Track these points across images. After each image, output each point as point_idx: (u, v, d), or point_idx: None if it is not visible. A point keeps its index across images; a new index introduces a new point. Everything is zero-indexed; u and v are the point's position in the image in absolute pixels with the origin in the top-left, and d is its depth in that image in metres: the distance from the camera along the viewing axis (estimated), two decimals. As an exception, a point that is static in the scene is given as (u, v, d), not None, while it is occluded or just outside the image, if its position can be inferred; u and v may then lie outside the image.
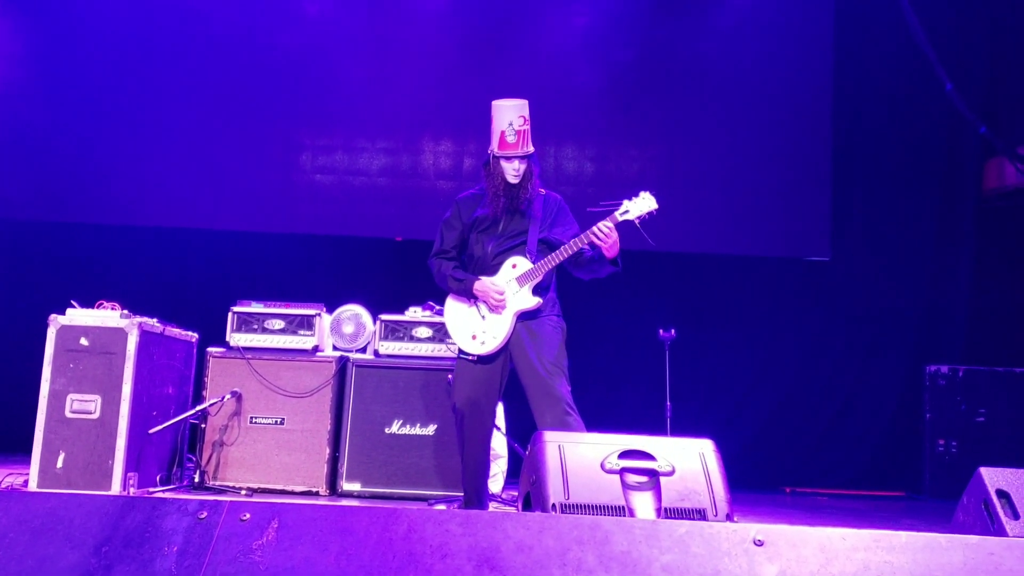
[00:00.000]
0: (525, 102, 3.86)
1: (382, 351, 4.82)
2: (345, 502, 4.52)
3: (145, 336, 4.18)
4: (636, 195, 3.80)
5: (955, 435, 6.22)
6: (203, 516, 1.84)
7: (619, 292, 6.69)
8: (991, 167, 6.80)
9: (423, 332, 4.84)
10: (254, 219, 6.61)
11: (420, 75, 6.68)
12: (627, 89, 6.76)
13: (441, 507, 3.72)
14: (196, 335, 4.79)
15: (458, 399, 3.84)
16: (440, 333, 4.81)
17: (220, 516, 1.85)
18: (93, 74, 6.62)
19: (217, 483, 4.58)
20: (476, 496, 3.94)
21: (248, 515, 1.85)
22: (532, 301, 3.78)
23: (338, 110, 6.69)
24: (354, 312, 5.02)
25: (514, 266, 3.81)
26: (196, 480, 4.60)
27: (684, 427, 4.65)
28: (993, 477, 2.82)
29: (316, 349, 4.80)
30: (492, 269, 3.84)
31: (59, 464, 3.99)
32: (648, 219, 3.77)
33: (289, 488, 4.61)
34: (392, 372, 4.76)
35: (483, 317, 3.82)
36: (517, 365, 3.79)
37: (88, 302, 4.23)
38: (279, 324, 4.82)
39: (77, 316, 4.14)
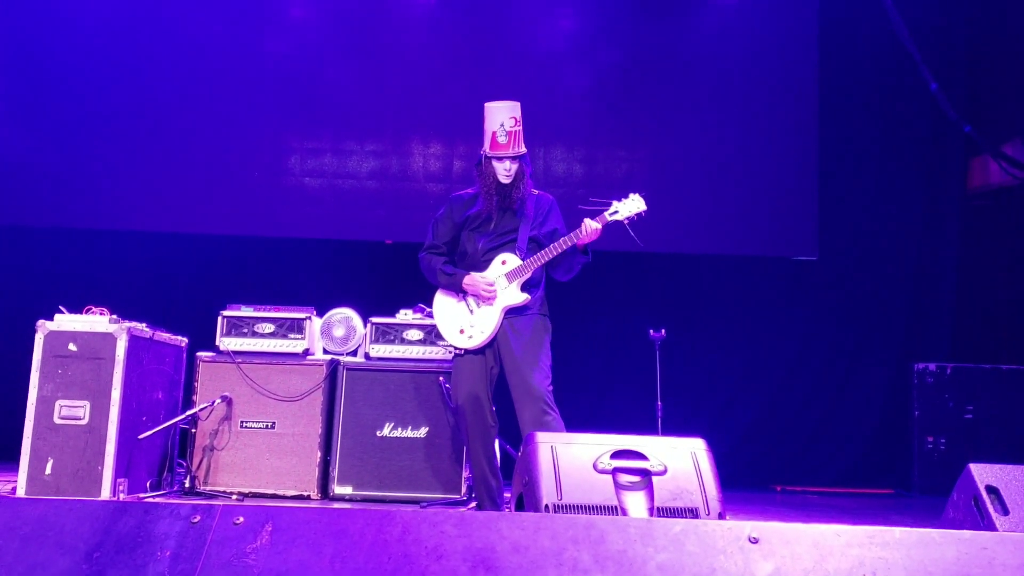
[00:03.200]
0: (517, 104, 3.92)
1: (373, 354, 4.80)
2: (337, 506, 4.51)
3: (134, 341, 4.16)
4: (626, 196, 3.87)
5: (943, 432, 6.25)
6: (196, 520, 1.83)
7: (609, 293, 6.71)
8: (976, 165, 6.84)
9: (414, 334, 4.83)
10: (243, 223, 6.58)
11: (408, 78, 6.67)
12: (615, 91, 6.77)
13: (467, 509, 3.69)
14: (186, 340, 4.76)
15: (458, 396, 3.88)
16: (431, 335, 4.80)
17: (213, 520, 1.84)
18: (81, 78, 6.57)
19: (208, 488, 4.56)
20: (488, 496, 3.92)
21: (242, 519, 1.84)
22: (520, 297, 3.84)
23: (326, 113, 6.67)
24: (344, 315, 5.01)
25: (503, 262, 3.88)
26: (187, 485, 4.57)
27: (674, 427, 4.65)
28: (983, 473, 2.84)
29: (307, 352, 4.78)
30: (482, 265, 3.91)
31: (48, 471, 3.96)
32: (637, 220, 3.83)
33: (280, 492, 4.60)
34: (383, 375, 4.75)
35: (471, 312, 3.88)
36: (503, 361, 3.85)
37: (76, 307, 4.21)
38: (269, 328, 4.80)
39: (65, 321, 4.12)
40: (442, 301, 3.98)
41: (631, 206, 3.83)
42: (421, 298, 4.99)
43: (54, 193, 6.51)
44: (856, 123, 6.90)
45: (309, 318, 4.82)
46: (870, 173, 6.88)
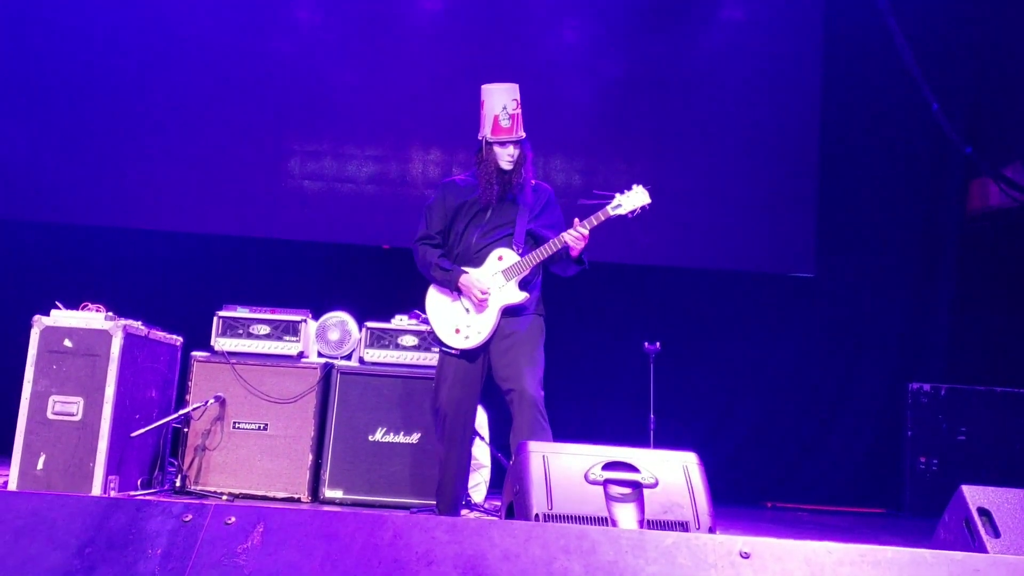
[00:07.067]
0: (516, 86, 3.85)
1: (367, 358, 4.80)
2: (327, 509, 4.49)
3: (129, 339, 4.15)
4: (629, 188, 3.76)
5: (936, 453, 6.26)
6: (188, 519, 1.82)
7: (606, 304, 6.71)
8: (975, 187, 6.87)
9: (409, 340, 4.83)
10: (241, 223, 6.59)
11: (410, 84, 6.69)
12: (617, 103, 6.79)
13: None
14: (181, 339, 4.75)
15: (441, 399, 3.75)
16: (427, 341, 4.80)
17: (205, 519, 1.84)
18: (83, 75, 6.58)
19: (198, 488, 4.55)
20: (452, 505, 3.85)
21: (233, 519, 1.83)
22: (519, 296, 3.69)
23: (328, 116, 6.69)
24: (340, 319, 5.00)
25: (500, 258, 3.73)
26: (177, 485, 4.56)
27: (667, 440, 4.64)
28: (975, 495, 2.83)
29: (301, 355, 4.77)
30: (476, 261, 3.75)
31: (39, 466, 3.94)
32: (640, 215, 3.71)
33: (271, 494, 4.58)
34: (377, 380, 4.74)
35: (467, 311, 3.73)
36: (495, 362, 3.70)
37: (73, 303, 4.19)
38: (264, 329, 4.80)
39: (61, 317, 4.11)
40: (436, 298, 3.82)
41: (635, 199, 3.71)
42: (417, 304, 4.96)
43: (54, 188, 6.52)
44: (857, 141, 6.92)
45: (304, 321, 4.82)
46: (869, 192, 6.90)
